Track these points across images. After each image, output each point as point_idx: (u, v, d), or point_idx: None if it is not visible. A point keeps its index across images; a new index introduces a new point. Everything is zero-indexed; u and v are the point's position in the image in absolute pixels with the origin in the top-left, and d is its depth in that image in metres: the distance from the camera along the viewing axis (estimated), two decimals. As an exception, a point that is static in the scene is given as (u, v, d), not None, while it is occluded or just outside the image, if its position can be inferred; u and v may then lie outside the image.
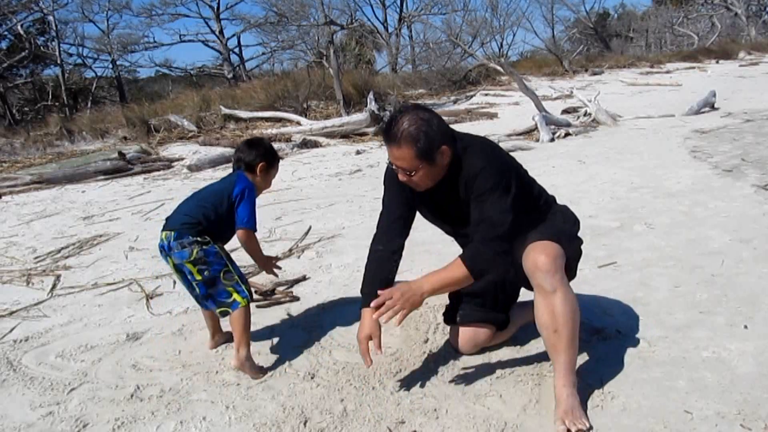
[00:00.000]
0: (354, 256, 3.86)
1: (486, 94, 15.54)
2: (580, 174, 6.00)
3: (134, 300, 3.49)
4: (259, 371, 2.55)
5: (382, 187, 2.38)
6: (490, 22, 26.65)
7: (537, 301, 2.13)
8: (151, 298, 3.49)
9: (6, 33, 19.91)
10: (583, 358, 2.43)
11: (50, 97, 20.00)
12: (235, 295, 2.54)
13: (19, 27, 19.51)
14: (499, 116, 11.70)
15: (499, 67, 14.13)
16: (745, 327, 2.61)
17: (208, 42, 24.82)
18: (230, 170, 2.77)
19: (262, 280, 3.62)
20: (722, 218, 4.16)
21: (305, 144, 9.50)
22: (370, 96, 11.95)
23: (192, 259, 2.50)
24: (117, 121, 12.21)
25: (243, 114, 12.22)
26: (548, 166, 6.47)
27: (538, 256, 2.09)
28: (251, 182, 2.65)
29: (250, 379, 2.48)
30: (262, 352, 2.72)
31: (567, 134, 8.65)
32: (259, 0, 37.49)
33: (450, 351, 2.57)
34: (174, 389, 2.45)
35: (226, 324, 2.83)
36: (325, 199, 5.77)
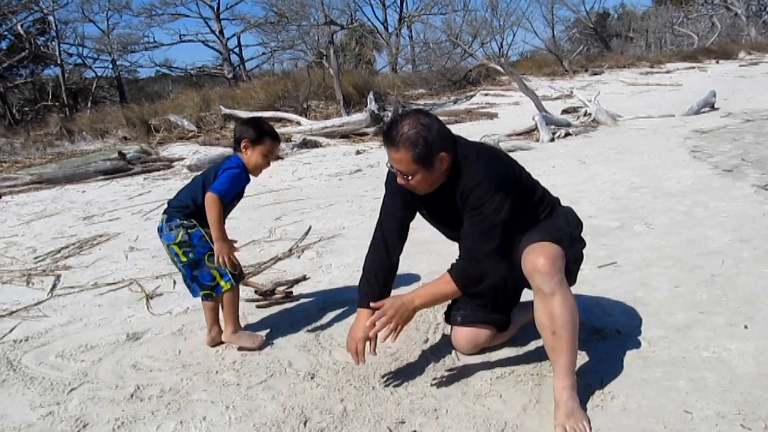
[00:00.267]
0: (354, 256, 3.86)
1: (486, 94, 15.54)
2: (580, 174, 6.00)
3: (134, 300, 3.49)
4: (252, 340, 2.69)
5: (384, 187, 2.39)
6: (490, 22, 26.71)
7: (536, 302, 2.13)
8: (151, 298, 3.49)
9: (6, 33, 19.90)
10: (583, 358, 2.43)
11: (50, 97, 19.99)
12: (219, 279, 2.64)
13: (19, 27, 19.51)
14: (499, 116, 11.70)
15: (499, 67, 14.13)
16: (745, 327, 2.61)
17: (208, 42, 24.83)
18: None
19: (262, 280, 3.62)
20: (722, 218, 4.16)
21: (305, 144, 9.50)
22: (370, 96, 11.95)
23: (177, 241, 2.61)
24: (117, 121, 12.20)
25: (243, 114, 12.20)
26: (548, 166, 6.47)
27: (538, 258, 2.09)
28: (241, 162, 2.66)
29: (250, 379, 2.48)
30: (262, 352, 2.72)
31: (567, 134, 8.65)
32: (259, 0, 37.49)
33: (450, 351, 2.57)
34: (174, 389, 2.45)
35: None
36: (325, 199, 5.77)
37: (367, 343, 2.25)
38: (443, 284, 2.16)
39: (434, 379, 2.39)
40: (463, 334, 2.48)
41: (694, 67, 21.49)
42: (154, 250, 4.47)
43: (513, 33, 44.18)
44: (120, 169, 8.21)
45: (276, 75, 17.84)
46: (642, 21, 36.70)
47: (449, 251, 2.19)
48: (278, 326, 2.99)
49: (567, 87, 15.29)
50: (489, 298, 2.45)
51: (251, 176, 2.73)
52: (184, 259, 2.64)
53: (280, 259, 4.02)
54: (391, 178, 2.32)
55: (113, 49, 22.71)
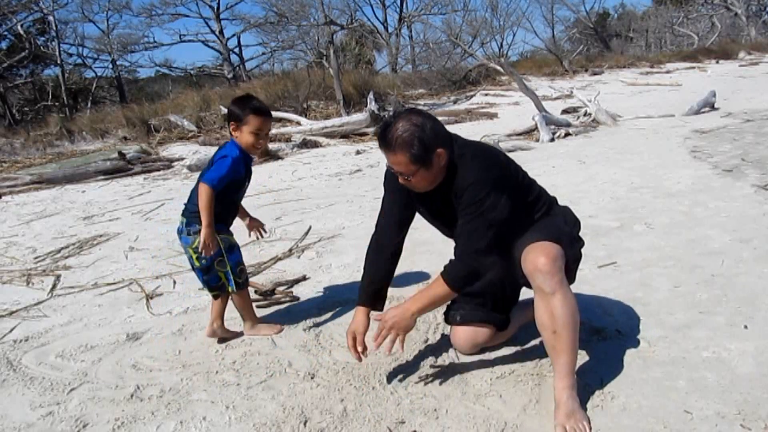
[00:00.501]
0: (354, 256, 3.86)
1: (486, 94, 15.54)
2: (580, 174, 6.00)
3: (134, 300, 3.49)
4: (271, 329, 2.86)
5: (383, 187, 2.40)
6: (490, 22, 26.73)
7: (536, 302, 2.14)
8: (151, 298, 3.49)
9: (6, 33, 19.91)
10: (583, 358, 2.43)
11: (50, 97, 20.00)
12: (225, 282, 2.75)
13: (19, 27, 19.51)
14: (499, 116, 11.70)
15: (499, 67, 14.12)
16: (745, 327, 2.61)
17: (208, 42, 24.83)
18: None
19: (262, 280, 3.62)
20: (722, 218, 4.16)
21: (305, 144, 9.50)
22: (370, 96, 11.96)
23: (194, 246, 2.69)
24: (117, 121, 12.20)
25: (243, 114, 12.20)
26: (548, 166, 6.47)
27: (538, 258, 2.09)
28: (234, 147, 2.66)
29: (250, 379, 2.48)
30: (262, 352, 2.73)
31: (567, 134, 8.65)
32: (259, 0, 37.50)
33: (450, 351, 2.57)
34: (174, 389, 2.45)
35: (229, 324, 2.87)
36: (325, 199, 5.77)
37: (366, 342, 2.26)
38: (437, 287, 2.17)
39: (434, 379, 2.38)
40: (463, 334, 2.49)
41: (694, 67, 21.49)
42: (154, 250, 4.48)
43: (513, 33, 44.20)
44: (120, 169, 8.21)
45: (276, 75, 17.84)
46: (642, 21, 36.70)
47: (449, 251, 2.19)
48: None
49: (567, 87, 15.29)
50: (488, 298, 2.45)
51: (252, 156, 2.75)
52: (197, 264, 2.74)
53: (280, 259, 4.02)
54: (389, 177, 2.34)
55: (113, 49, 22.71)
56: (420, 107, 12.13)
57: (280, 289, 3.43)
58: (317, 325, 2.97)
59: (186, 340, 2.91)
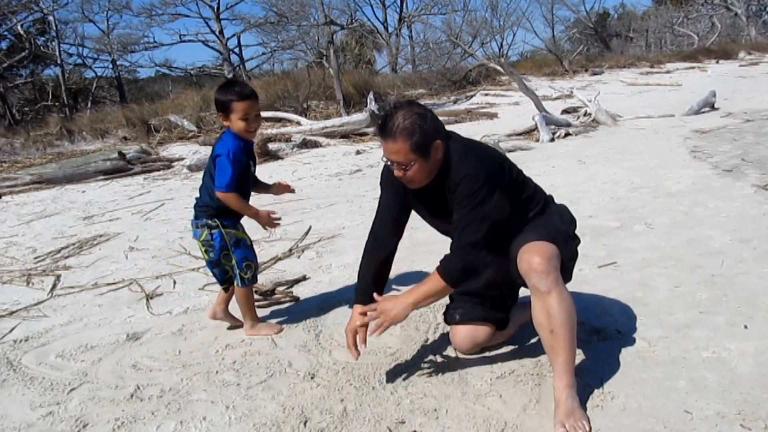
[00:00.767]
0: (354, 256, 3.86)
1: (486, 94, 15.54)
2: (580, 174, 5.99)
3: (134, 300, 3.49)
4: (271, 329, 2.88)
5: (379, 186, 2.41)
6: (490, 22, 26.73)
7: (533, 302, 2.15)
8: (151, 298, 3.49)
9: (6, 33, 19.89)
10: (583, 358, 2.43)
11: (50, 97, 19.99)
12: (233, 276, 2.82)
13: (19, 27, 19.50)
14: (499, 116, 11.70)
15: (499, 67, 14.12)
16: (745, 327, 2.61)
17: (208, 42, 24.79)
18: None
19: (261, 279, 3.62)
20: (722, 218, 4.16)
21: (305, 144, 9.50)
22: (370, 96, 11.96)
23: (202, 239, 2.78)
24: (117, 121, 12.21)
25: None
26: (548, 166, 6.47)
27: (533, 257, 2.10)
28: (229, 137, 2.68)
29: (250, 379, 2.48)
30: (262, 352, 2.73)
31: (567, 134, 8.65)
32: (259, 0, 37.50)
33: (450, 351, 2.57)
34: (174, 389, 2.45)
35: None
36: (325, 199, 5.77)
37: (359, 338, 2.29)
38: (433, 281, 2.18)
39: (434, 379, 2.38)
40: (462, 333, 2.49)
41: (694, 67, 21.49)
42: (154, 250, 4.48)
43: (513, 33, 44.27)
44: (120, 169, 8.21)
45: (276, 75, 17.85)
46: (642, 21, 36.71)
47: (449, 250, 2.20)
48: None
49: (567, 87, 15.29)
50: (487, 297, 2.45)
51: (251, 140, 2.76)
52: (206, 257, 2.84)
53: (280, 259, 4.02)
54: (386, 176, 2.35)
55: (113, 49, 22.69)
56: (411, 99, 12.13)
57: (280, 289, 3.43)
58: (317, 325, 2.97)
59: (186, 340, 2.91)
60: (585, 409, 2.10)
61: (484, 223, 2.11)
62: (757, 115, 9.38)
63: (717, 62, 23.37)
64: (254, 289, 3.39)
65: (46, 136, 11.48)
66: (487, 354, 2.53)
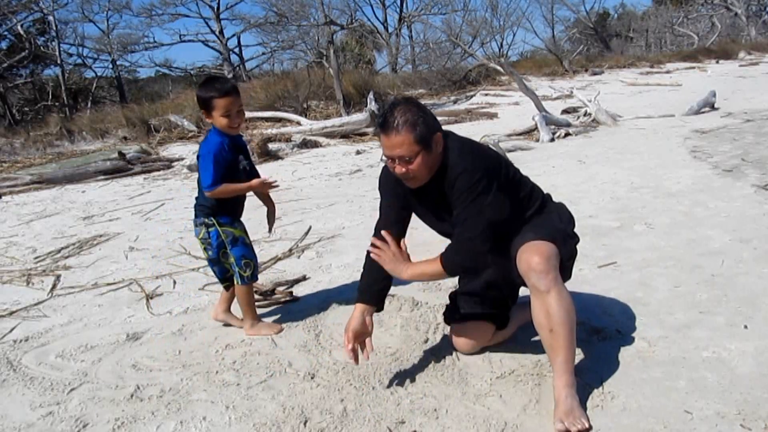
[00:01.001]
0: (354, 256, 3.86)
1: (486, 94, 15.54)
2: (580, 174, 5.99)
3: (134, 300, 3.49)
4: (270, 329, 2.86)
5: (378, 191, 2.42)
6: (490, 22, 26.77)
7: (532, 301, 2.16)
8: (151, 298, 3.49)
9: (6, 33, 19.90)
10: (583, 358, 2.43)
11: (50, 97, 19.99)
12: (233, 273, 2.83)
13: (19, 27, 19.51)
14: (499, 116, 11.70)
15: (499, 67, 14.14)
16: (745, 327, 2.61)
17: (208, 42, 24.82)
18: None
19: (262, 280, 3.62)
20: (722, 218, 4.16)
21: (305, 144, 9.50)
22: (370, 96, 11.95)
23: (200, 237, 2.82)
24: (117, 121, 12.21)
25: (243, 114, 12.19)
26: (548, 166, 6.47)
27: (532, 257, 2.11)
28: (213, 134, 2.71)
29: (250, 379, 2.48)
30: (262, 352, 2.73)
31: (567, 134, 8.64)
32: (259, 0, 37.50)
33: (450, 351, 2.57)
34: (174, 389, 2.45)
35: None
36: (325, 199, 5.77)
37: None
38: (433, 264, 2.21)
39: (434, 379, 2.38)
40: (463, 333, 2.49)
41: (694, 67, 21.48)
42: (154, 250, 4.48)
43: (513, 33, 44.29)
44: (120, 169, 8.21)
45: (276, 75, 17.83)
46: (642, 21, 36.71)
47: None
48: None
49: (567, 87, 15.28)
50: (487, 297, 2.45)
51: (238, 134, 2.77)
52: (205, 255, 2.89)
53: (280, 259, 4.02)
54: (385, 180, 2.37)
55: (113, 49, 22.71)
56: (407, 96, 12.13)
57: (280, 289, 3.43)
58: (317, 325, 2.97)
59: (186, 340, 2.91)
60: (585, 408, 2.10)
61: (483, 216, 2.11)
62: (757, 115, 9.38)
63: (717, 62, 23.36)
64: (254, 289, 3.40)
65: (46, 136, 11.49)
66: (487, 354, 2.53)
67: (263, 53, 26.29)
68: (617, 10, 40.13)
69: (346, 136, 10.21)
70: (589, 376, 2.31)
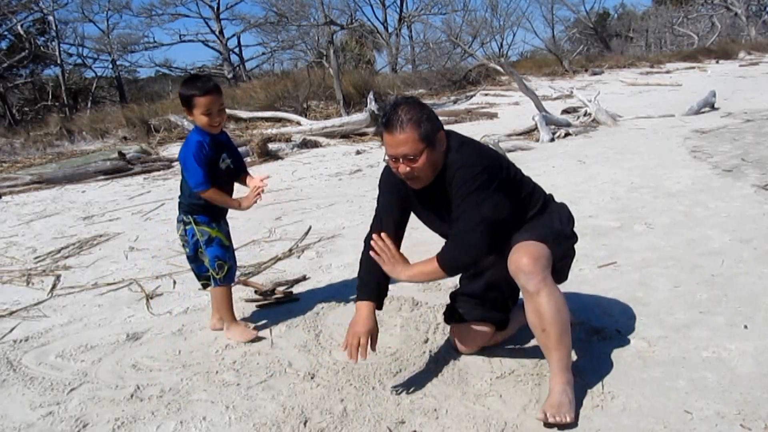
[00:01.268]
0: (354, 256, 3.84)
1: (486, 94, 15.54)
2: (580, 174, 5.99)
3: (134, 300, 3.49)
4: (242, 334, 2.79)
5: (378, 188, 2.40)
6: (490, 22, 26.77)
7: (525, 302, 2.17)
8: (151, 298, 3.49)
9: (6, 33, 19.91)
10: (583, 358, 2.43)
11: (50, 97, 20.00)
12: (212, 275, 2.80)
13: (19, 27, 19.51)
14: (499, 116, 11.69)
15: (499, 67, 14.13)
16: (745, 327, 2.61)
17: (208, 42, 24.85)
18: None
19: (262, 280, 3.62)
20: (722, 218, 4.16)
21: (305, 144, 9.49)
22: (370, 96, 11.95)
23: (179, 234, 2.85)
24: (117, 121, 12.21)
25: (243, 114, 12.21)
26: (548, 166, 6.47)
27: (521, 258, 2.11)
28: (193, 133, 2.68)
29: (250, 379, 2.48)
30: (262, 352, 2.72)
31: (567, 134, 8.64)
32: (259, 0, 37.52)
33: (450, 351, 2.57)
34: (174, 389, 2.45)
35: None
36: (325, 199, 5.77)
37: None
38: (430, 263, 2.19)
39: (434, 379, 2.38)
40: (463, 333, 2.49)
41: (694, 67, 21.47)
42: (154, 250, 4.48)
43: (513, 33, 44.30)
44: (120, 169, 8.21)
45: (276, 75, 17.85)
46: (642, 21, 36.71)
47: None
48: (278, 326, 2.99)
49: (567, 87, 15.28)
50: (487, 298, 2.45)
51: (214, 131, 2.68)
52: (185, 251, 2.89)
53: (280, 259, 4.02)
54: (386, 179, 2.35)
55: (113, 49, 22.72)
56: (409, 95, 12.13)
57: (280, 289, 3.43)
58: (317, 325, 2.97)
59: (186, 340, 2.91)
60: (580, 407, 2.10)
61: (481, 211, 2.10)
62: (757, 115, 9.38)
63: (717, 62, 23.35)
64: (254, 289, 3.40)
65: (46, 136, 11.49)
66: (487, 354, 2.53)
67: (263, 53, 26.33)
68: (617, 10, 40.18)
69: (346, 136, 10.21)
70: (589, 376, 2.31)
